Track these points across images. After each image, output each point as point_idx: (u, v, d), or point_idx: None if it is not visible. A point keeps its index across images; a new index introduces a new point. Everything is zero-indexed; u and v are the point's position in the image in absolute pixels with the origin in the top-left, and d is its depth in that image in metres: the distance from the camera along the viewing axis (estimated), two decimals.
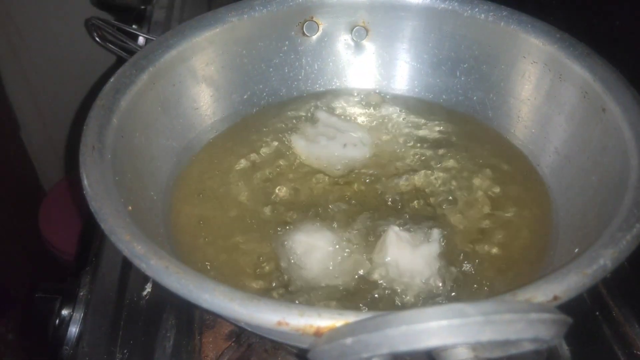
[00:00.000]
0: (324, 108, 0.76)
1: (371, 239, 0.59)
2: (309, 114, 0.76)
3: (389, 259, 0.55)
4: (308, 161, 0.69)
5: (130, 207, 0.50)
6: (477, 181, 0.66)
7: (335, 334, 0.33)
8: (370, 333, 0.30)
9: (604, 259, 0.41)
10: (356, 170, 0.68)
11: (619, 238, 0.42)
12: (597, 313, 0.62)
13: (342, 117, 0.75)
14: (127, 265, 0.66)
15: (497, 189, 0.65)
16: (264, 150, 0.70)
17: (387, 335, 0.29)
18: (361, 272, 0.56)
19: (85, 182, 0.48)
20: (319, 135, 0.71)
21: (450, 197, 0.64)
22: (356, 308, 0.53)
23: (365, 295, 0.54)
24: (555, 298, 0.38)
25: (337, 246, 0.57)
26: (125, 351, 0.58)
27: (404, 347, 0.29)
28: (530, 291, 0.38)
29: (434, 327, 0.28)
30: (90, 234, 0.73)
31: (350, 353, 0.31)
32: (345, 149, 0.70)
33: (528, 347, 0.35)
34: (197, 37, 0.68)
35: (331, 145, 0.70)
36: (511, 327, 0.29)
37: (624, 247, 0.42)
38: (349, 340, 0.31)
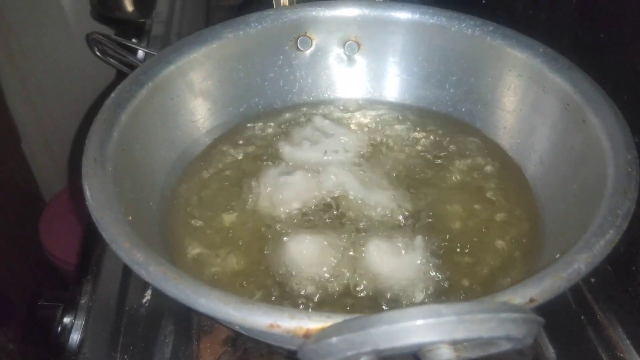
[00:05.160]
0: (318, 113, 0.79)
1: (358, 248, 0.61)
2: (302, 119, 0.78)
3: (373, 270, 0.57)
4: (294, 166, 0.71)
5: (130, 217, 0.52)
6: (464, 190, 0.68)
7: (323, 334, 0.35)
8: (354, 332, 0.32)
9: (578, 264, 0.43)
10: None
11: (593, 243, 0.45)
12: (582, 317, 0.64)
13: (335, 121, 0.77)
14: (127, 274, 0.68)
15: (484, 198, 0.68)
16: (257, 157, 0.73)
17: (370, 334, 0.31)
18: (349, 281, 0.58)
19: (87, 193, 0.51)
20: (304, 140, 0.74)
21: (437, 205, 0.66)
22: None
23: (355, 303, 0.56)
24: (532, 300, 0.40)
25: (328, 255, 0.59)
26: (125, 357, 0.60)
27: (385, 344, 0.31)
28: (508, 294, 0.40)
29: (412, 326, 0.31)
30: (91, 244, 0.75)
31: (336, 351, 0.33)
32: (326, 156, 0.72)
33: (505, 346, 0.37)
34: (194, 53, 0.70)
35: (313, 151, 0.72)
36: (483, 325, 0.31)
37: (598, 252, 0.44)
38: (334, 340, 0.33)
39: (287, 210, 0.65)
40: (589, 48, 0.74)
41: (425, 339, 0.31)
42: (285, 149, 0.73)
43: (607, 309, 0.64)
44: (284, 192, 0.66)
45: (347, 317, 0.36)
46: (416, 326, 0.31)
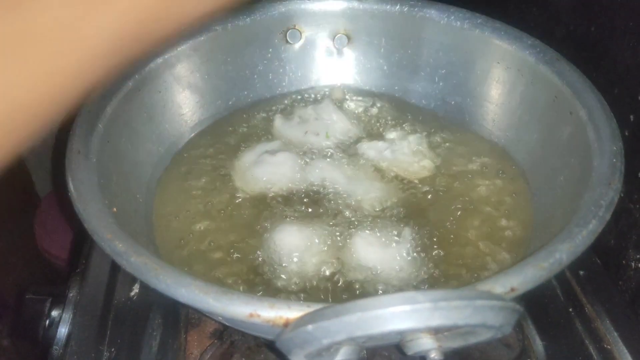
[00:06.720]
0: (307, 104, 0.79)
1: (344, 239, 0.61)
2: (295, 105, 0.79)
3: (359, 261, 0.57)
4: (281, 139, 0.72)
5: (114, 209, 0.52)
6: (452, 182, 0.68)
7: (299, 322, 0.35)
8: (329, 320, 0.32)
9: (560, 253, 0.43)
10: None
11: (575, 234, 0.45)
12: (570, 309, 0.64)
13: (328, 108, 0.77)
14: (116, 267, 0.68)
15: (473, 190, 0.67)
16: (244, 145, 0.73)
17: (344, 322, 0.31)
18: (335, 273, 0.58)
19: (70, 184, 0.51)
20: (297, 116, 0.74)
21: (425, 197, 0.66)
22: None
23: (339, 293, 0.56)
24: (513, 290, 0.40)
25: (315, 245, 0.59)
26: (112, 349, 0.60)
27: (359, 332, 0.31)
28: (489, 283, 0.40)
29: (387, 313, 0.31)
30: (82, 239, 0.74)
31: (312, 339, 0.33)
32: (306, 136, 0.72)
33: (484, 335, 0.37)
34: (182, 45, 0.70)
35: (297, 128, 0.73)
36: (459, 313, 0.31)
37: (580, 242, 0.44)
38: (310, 327, 0.33)
39: (265, 192, 0.65)
40: (580, 42, 0.74)
41: (400, 326, 0.31)
42: (278, 122, 0.74)
43: (594, 302, 0.64)
44: (261, 170, 0.67)
45: (325, 305, 0.36)
46: (390, 313, 0.30)
